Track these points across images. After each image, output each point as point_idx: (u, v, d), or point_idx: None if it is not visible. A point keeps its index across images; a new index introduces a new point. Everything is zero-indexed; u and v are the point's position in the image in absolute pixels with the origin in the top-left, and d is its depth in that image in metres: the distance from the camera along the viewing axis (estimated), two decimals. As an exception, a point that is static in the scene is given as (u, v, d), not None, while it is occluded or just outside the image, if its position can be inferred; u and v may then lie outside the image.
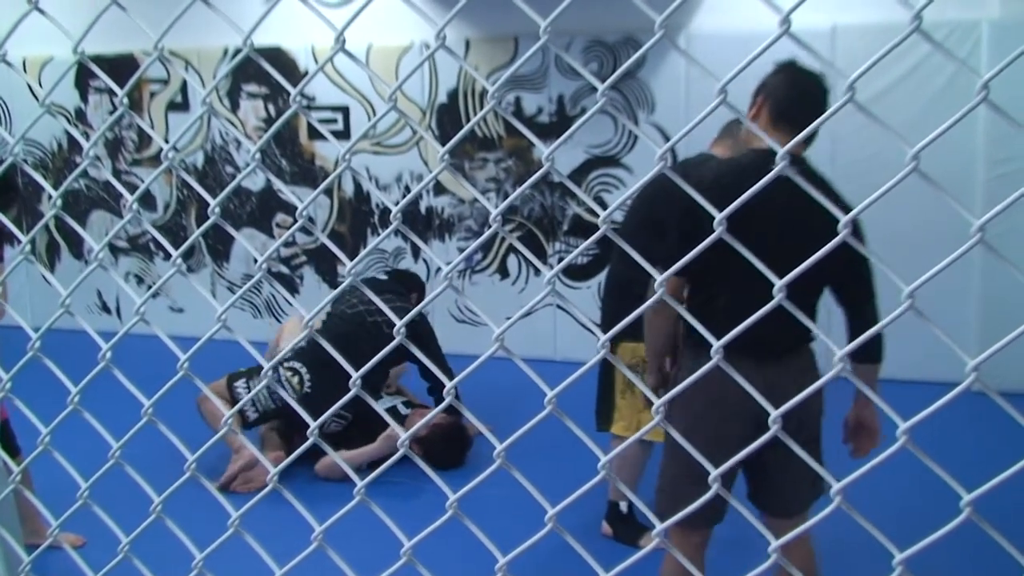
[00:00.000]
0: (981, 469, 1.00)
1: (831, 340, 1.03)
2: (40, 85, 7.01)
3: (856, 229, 2.55)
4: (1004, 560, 1.07)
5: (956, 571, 3.19)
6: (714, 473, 1.07)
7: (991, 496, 0.94)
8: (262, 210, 7.01)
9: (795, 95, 2.57)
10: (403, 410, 4.94)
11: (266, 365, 1.41)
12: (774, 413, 1.01)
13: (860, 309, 2.65)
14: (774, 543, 1.06)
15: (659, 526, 1.13)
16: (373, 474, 1.33)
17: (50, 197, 1.48)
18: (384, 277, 5.34)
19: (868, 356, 2.66)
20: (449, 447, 4.60)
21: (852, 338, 2.60)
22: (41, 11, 1.41)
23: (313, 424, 1.32)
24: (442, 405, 1.23)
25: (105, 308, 7.39)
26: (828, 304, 2.68)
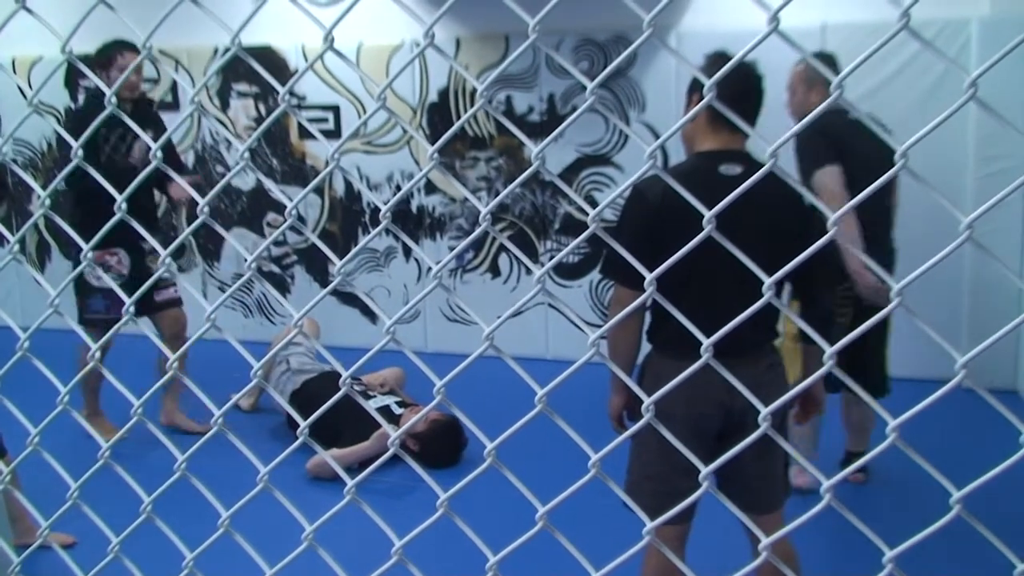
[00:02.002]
0: (971, 467, 1.00)
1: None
2: (30, 85, 6.98)
3: (819, 222, 2.56)
4: (995, 558, 1.07)
5: (947, 569, 3.20)
6: (705, 470, 1.07)
7: (982, 494, 0.95)
8: (253, 209, 6.99)
9: (729, 93, 2.52)
10: (396, 410, 4.93)
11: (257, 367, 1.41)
12: (764, 411, 1.01)
13: (816, 298, 2.65)
14: (764, 540, 1.06)
15: (648, 524, 1.13)
16: (363, 473, 1.33)
17: (39, 197, 1.47)
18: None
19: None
20: (445, 444, 4.60)
21: (810, 324, 2.65)
22: (29, 10, 1.40)
23: (303, 423, 1.32)
24: (432, 403, 1.23)
25: (95, 308, 7.37)
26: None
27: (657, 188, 2.46)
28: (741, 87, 2.53)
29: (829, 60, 3.98)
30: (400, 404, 5.00)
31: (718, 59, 2.54)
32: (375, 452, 4.53)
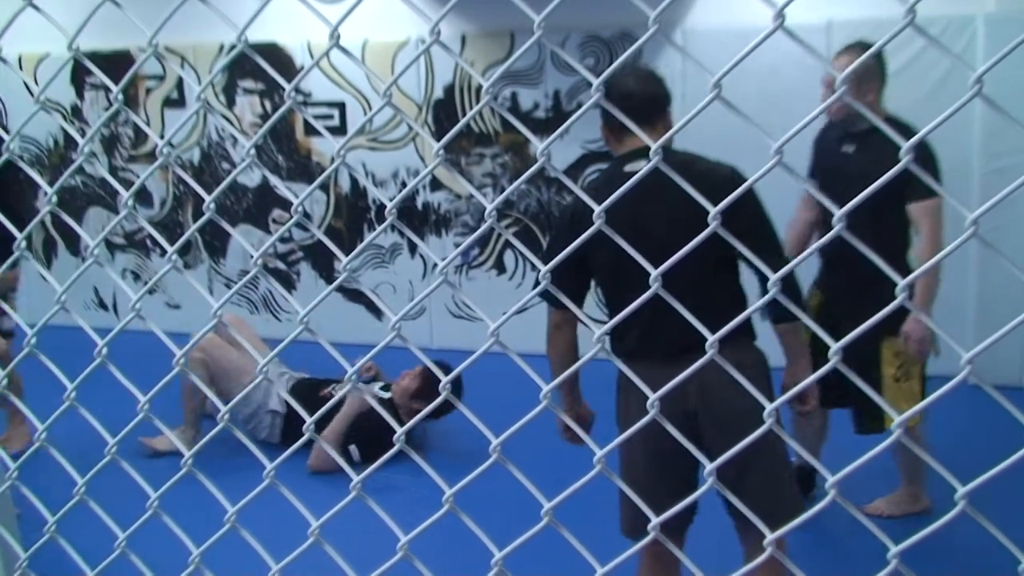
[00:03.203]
0: (977, 463, 1.00)
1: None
2: (36, 82, 6.98)
3: (746, 201, 2.47)
4: (1001, 555, 1.07)
5: (953, 566, 3.20)
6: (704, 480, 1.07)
7: (989, 491, 0.95)
8: (259, 206, 7.00)
9: (622, 103, 2.51)
10: (383, 394, 4.94)
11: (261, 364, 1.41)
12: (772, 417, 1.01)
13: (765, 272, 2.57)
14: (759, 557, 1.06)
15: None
16: (369, 469, 1.33)
17: (46, 194, 1.48)
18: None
19: (782, 316, 2.61)
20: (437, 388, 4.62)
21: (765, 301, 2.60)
22: (36, 7, 1.41)
23: (309, 420, 1.32)
24: (438, 400, 1.23)
25: (102, 304, 7.39)
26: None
27: (572, 203, 2.56)
28: (624, 89, 2.61)
29: (867, 50, 3.67)
30: (385, 388, 5.01)
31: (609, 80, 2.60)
32: (356, 410, 4.56)
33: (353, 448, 4.52)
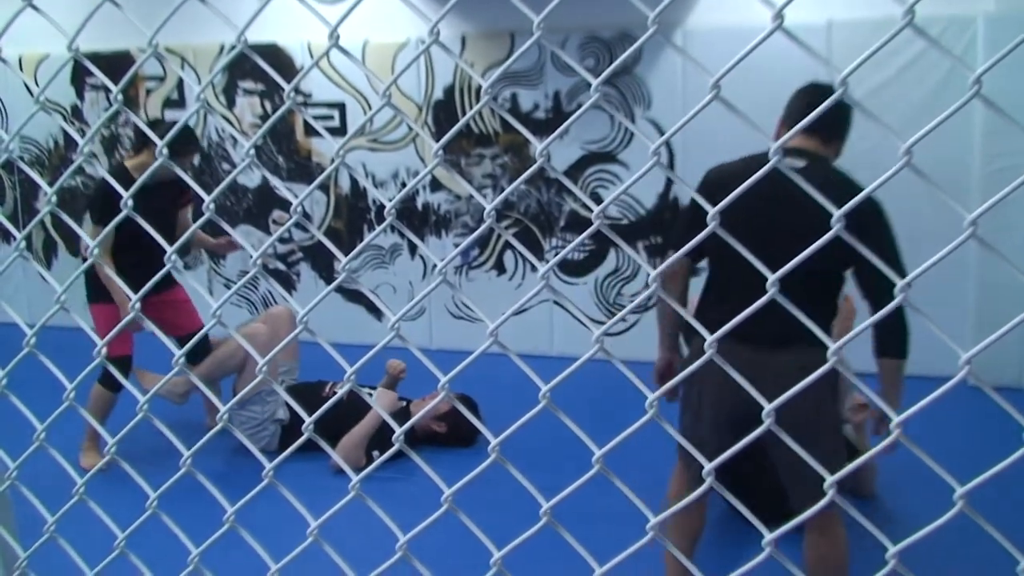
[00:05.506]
0: (977, 464, 1.00)
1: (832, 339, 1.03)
2: (36, 83, 6.99)
3: (870, 220, 2.57)
4: (999, 555, 1.07)
5: (953, 566, 3.20)
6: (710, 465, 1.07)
7: (989, 491, 0.95)
8: (259, 207, 7.00)
9: (801, 106, 2.87)
10: (400, 404, 4.95)
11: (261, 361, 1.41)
12: (768, 407, 1.01)
13: (878, 302, 2.57)
14: (767, 536, 1.06)
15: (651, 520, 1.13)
16: (369, 468, 1.33)
17: (46, 194, 1.48)
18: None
19: (886, 350, 2.64)
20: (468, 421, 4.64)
21: (875, 332, 2.62)
22: (36, 8, 1.40)
23: (308, 419, 1.32)
24: (437, 399, 1.23)
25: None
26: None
27: (718, 169, 2.79)
28: (817, 98, 2.74)
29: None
30: (400, 399, 5.01)
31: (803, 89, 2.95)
32: (388, 409, 4.56)
33: (376, 453, 4.52)
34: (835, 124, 2.86)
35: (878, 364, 2.69)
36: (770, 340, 2.41)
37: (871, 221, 2.49)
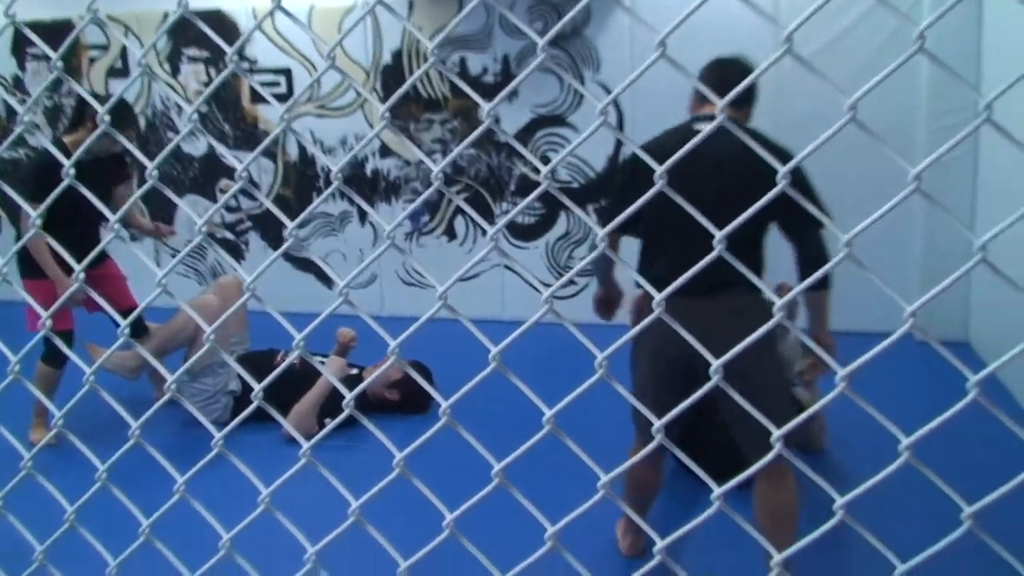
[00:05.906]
0: (923, 417, 1.02)
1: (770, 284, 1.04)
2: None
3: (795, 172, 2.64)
4: (947, 506, 1.09)
5: (899, 516, 3.28)
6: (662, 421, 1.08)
7: (936, 443, 0.96)
8: (205, 176, 6.90)
9: (712, 79, 2.85)
10: (351, 371, 4.92)
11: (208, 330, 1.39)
12: (715, 363, 1.02)
13: (804, 240, 2.75)
14: (716, 490, 1.07)
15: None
16: (321, 433, 1.33)
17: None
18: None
19: (815, 283, 2.69)
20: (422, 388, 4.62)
21: (801, 268, 2.76)
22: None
23: (257, 387, 1.31)
24: (387, 364, 1.23)
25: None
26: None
27: (646, 144, 2.81)
28: (723, 73, 2.80)
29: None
30: (351, 365, 4.99)
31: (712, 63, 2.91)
32: (335, 378, 4.54)
33: (327, 421, 4.48)
34: (744, 91, 2.89)
35: (806, 298, 2.91)
36: (703, 288, 2.43)
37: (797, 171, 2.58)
